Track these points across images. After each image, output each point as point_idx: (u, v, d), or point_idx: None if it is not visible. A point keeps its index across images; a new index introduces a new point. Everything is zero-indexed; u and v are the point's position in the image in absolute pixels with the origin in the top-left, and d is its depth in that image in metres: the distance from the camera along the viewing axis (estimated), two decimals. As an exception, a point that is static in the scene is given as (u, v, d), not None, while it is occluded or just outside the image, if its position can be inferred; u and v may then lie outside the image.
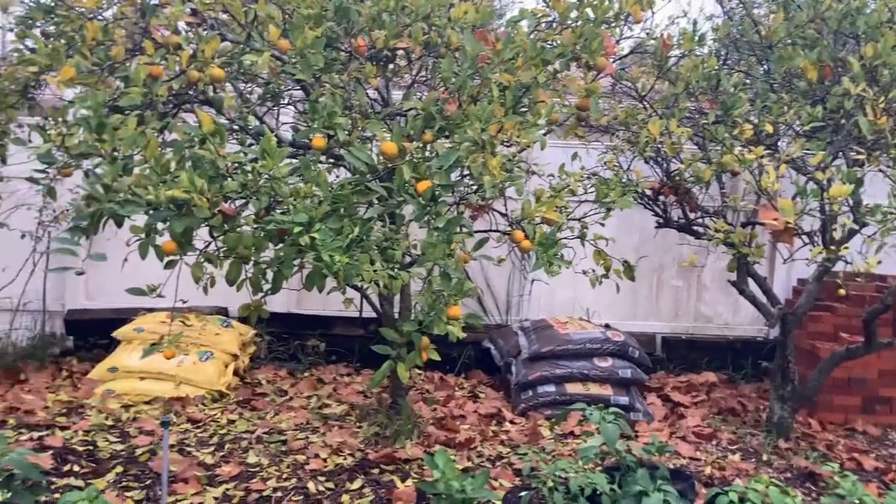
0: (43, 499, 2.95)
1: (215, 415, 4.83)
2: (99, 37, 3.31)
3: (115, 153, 2.93)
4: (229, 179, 2.93)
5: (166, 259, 2.91)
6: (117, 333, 5.44)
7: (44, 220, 5.49)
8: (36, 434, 4.38)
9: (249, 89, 4.41)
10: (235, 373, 5.44)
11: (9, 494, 2.78)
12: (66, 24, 3.67)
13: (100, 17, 3.67)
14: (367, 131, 3.47)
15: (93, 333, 5.81)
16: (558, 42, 3.65)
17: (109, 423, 4.63)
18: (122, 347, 5.39)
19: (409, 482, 3.93)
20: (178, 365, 5.08)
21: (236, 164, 3.09)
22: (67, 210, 5.37)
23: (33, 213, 5.45)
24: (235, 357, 5.48)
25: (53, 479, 3.75)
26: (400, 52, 3.76)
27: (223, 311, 5.92)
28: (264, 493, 3.77)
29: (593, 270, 4.20)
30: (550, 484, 3.28)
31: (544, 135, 3.91)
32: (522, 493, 3.22)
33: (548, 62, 3.30)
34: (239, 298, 3.49)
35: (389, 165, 3.10)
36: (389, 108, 3.90)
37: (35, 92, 4.42)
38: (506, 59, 3.34)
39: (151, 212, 2.76)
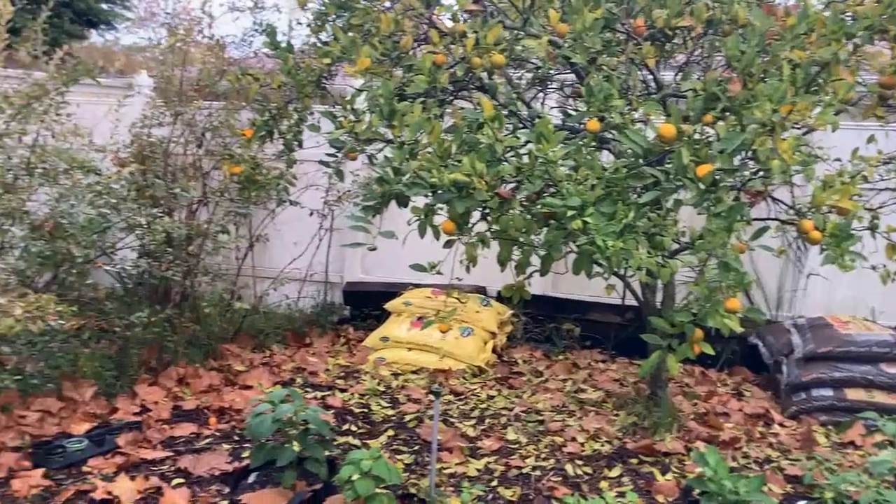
0: (329, 453, 3.23)
1: (475, 389, 5.01)
2: (391, 28, 3.53)
3: (402, 138, 3.12)
4: (504, 163, 3.01)
5: (445, 238, 3.06)
6: (388, 306, 5.84)
7: (329, 199, 6.00)
8: (319, 394, 4.84)
9: (519, 75, 4.49)
10: (493, 350, 5.61)
11: (303, 447, 3.09)
12: (358, 17, 3.95)
13: (389, 10, 3.92)
14: (640, 113, 3.39)
15: (367, 304, 6.28)
16: (858, 13, 3.30)
17: (381, 388, 4.99)
18: (393, 319, 5.78)
19: (670, 476, 3.82)
20: (442, 339, 5.34)
21: (510, 148, 3.16)
22: (350, 191, 5.85)
23: (320, 193, 5.98)
24: (493, 335, 5.65)
25: (335, 437, 4.11)
26: (678, 32, 3.62)
27: (482, 290, 6.11)
28: (523, 471, 3.85)
29: (884, 266, 3.77)
30: (831, 495, 3.02)
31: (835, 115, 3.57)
32: (801, 503, 2.99)
33: (852, 35, 2.99)
34: (497, 279, 3.59)
35: (666, 148, 3.00)
36: (664, 89, 3.77)
37: (326, 82, 4.83)
38: (797, 35, 3.08)
39: (434, 193, 2.91)
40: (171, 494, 3.50)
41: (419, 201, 3.16)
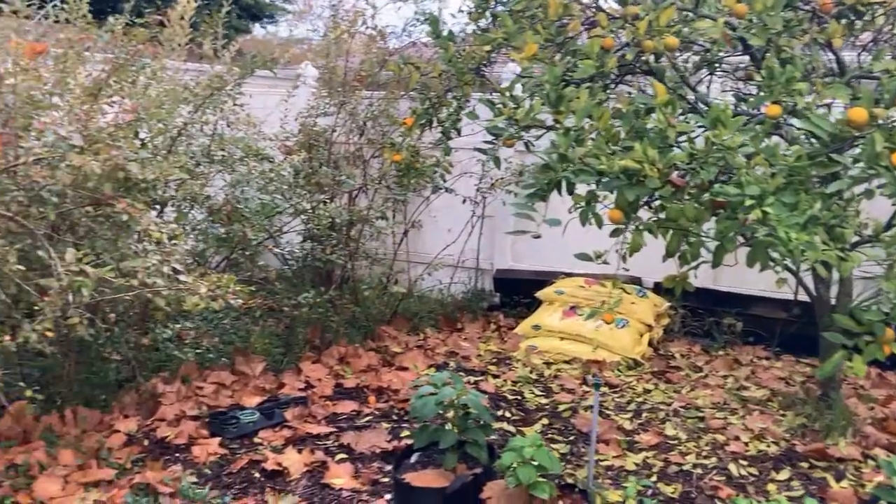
0: (488, 438, 3.25)
1: (631, 382, 4.91)
2: (560, 13, 3.49)
3: (568, 124, 3.08)
4: (676, 149, 2.91)
5: (606, 227, 3.00)
6: (540, 294, 5.82)
7: (481, 187, 6.04)
8: (472, 378, 4.89)
9: (685, 58, 4.32)
10: (649, 343, 5.47)
11: (463, 430, 3.12)
12: (521, 3, 3.92)
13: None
14: (824, 97, 3.17)
15: (517, 292, 6.28)
16: None
17: (533, 376, 4.99)
18: (544, 307, 5.75)
19: (846, 483, 3.58)
20: (596, 329, 5.26)
21: (681, 134, 3.04)
22: (502, 178, 5.85)
23: (473, 180, 6.02)
24: (650, 327, 5.50)
25: (494, 423, 4.14)
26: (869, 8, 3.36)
27: (636, 281, 5.96)
28: (684, 468, 3.73)
29: None
30: None
31: None
32: None
33: None
34: (653, 269, 3.47)
35: (854, 134, 2.80)
36: (847, 70, 3.51)
37: (485, 69, 4.84)
38: None
39: (602, 181, 2.86)
40: (335, 469, 3.65)
41: (580, 189, 3.11)
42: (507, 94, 4.17)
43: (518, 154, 5.88)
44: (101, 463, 3.61)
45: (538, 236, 3.05)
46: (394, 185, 5.60)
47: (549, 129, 3.81)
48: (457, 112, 4.76)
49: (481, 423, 3.19)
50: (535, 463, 2.83)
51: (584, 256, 3.13)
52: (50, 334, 3.06)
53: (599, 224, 3.13)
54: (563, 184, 3.05)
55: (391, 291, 5.69)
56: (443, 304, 6.28)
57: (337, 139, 5.65)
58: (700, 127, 2.97)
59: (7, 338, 3.18)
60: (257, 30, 16.23)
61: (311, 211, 5.07)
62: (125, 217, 3.26)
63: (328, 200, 5.18)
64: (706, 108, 3.82)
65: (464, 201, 6.02)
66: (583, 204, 3.13)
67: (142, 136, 3.82)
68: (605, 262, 3.16)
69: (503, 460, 2.87)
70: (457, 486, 2.97)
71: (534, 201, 3.01)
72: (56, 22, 4.15)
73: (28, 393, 3.36)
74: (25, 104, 3.50)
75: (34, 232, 3.34)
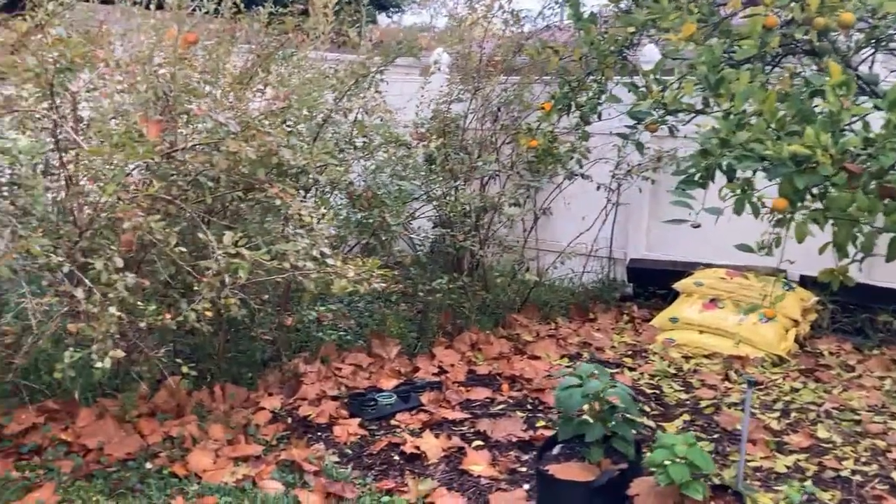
0: (635, 433, 3.16)
1: (777, 380, 4.66)
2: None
3: (729, 108, 2.92)
4: (851, 134, 2.71)
5: (776, 217, 2.83)
6: (678, 285, 5.62)
7: (617, 173, 5.88)
8: (607, 370, 4.77)
9: (848, 36, 4.03)
10: (795, 339, 5.18)
11: (611, 424, 3.04)
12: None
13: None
14: None
15: (651, 282, 6.10)
16: None
17: (672, 370, 4.82)
18: (682, 299, 5.55)
19: None
20: (738, 324, 5.03)
21: (854, 117, 2.83)
22: (640, 165, 5.68)
23: (608, 166, 5.88)
24: (796, 323, 5.22)
25: (641, 417, 4.02)
26: None
27: (781, 273, 5.65)
28: (841, 474, 3.51)
29: None
30: None
31: None
32: None
33: None
34: (800, 261, 3.25)
35: None
36: None
37: (628, 51, 4.69)
38: None
39: (768, 167, 2.69)
40: (473, 455, 3.65)
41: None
42: (652, 76, 4.03)
43: (657, 139, 5.68)
44: (249, 439, 3.75)
45: (697, 225, 2.91)
46: (525, 171, 5.53)
47: (699, 112, 3.65)
48: (597, 96, 4.64)
49: (628, 417, 3.10)
50: (689, 461, 2.72)
51: (744, 247, 2.96)
52: (209, 314, 3.19)
53: (757, 213, 2.97)
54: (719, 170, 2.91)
55: (522, 279, 5.64)
56: (574, 293, 6.18)
57: (469, 125, 5.64)
58: (877, 109, 2.75)
59: (167, 316, 3.33)
60: (382, 19, 16.48)
61: (443, 197, 5.09)
62: (277, 202, 3.35)
63: (461, 187, 5.18)
64: (868, 88, 3.56)
65: (598, 188, 5.88)
66: (738, 192, 2.98)
67: (289, 122, 3.92)
68: (768, 254, 2.99)
69: (653, 457, 2.77)
70: (603, 481, 2.89)
71: (691, 188, 2.88)
72: (206, 13, 4.31)
73: (184, 369, 3.51)
74: (182, 92, 3.65)
75: (192, 215, 3.49)
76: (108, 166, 3.08)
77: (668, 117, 4.11)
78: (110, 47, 3.88)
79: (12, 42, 3.35)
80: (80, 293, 2.94)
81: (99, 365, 2.89)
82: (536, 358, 4.95)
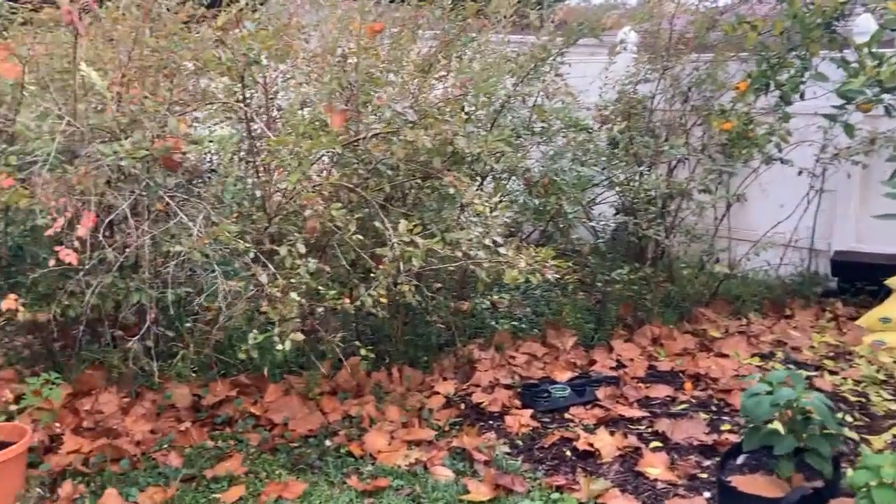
0: (838, 450, 2.86)
1: None
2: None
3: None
4: None
5: None
6: (891, 281, 5.05)
7: (822, 157, 5.37)
8: (804, 373, 4.37)
9: None
10: None
11: (804, 437, 2.76)
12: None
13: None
14: None
15: (859, 277, 5.52)
16: None
17: (881, 376, 4.33)
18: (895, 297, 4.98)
19: None
20: (965, 328, 4.44)
21: None
22: (849, 148, 5.15)
23: (812, 150, 5.38)
24: None
25: (842, 432, 3.66)
26: None
27: None
28: None
29: None
30: None
31: None
32: None
33: None
34: None
35: None
36: None
37: (836, 23, 4.25)
38: None
39: None
40: (649, 457, 3.47)
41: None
42: (867, 49, 3.61)
43: (870, 120, 5.12)
44: (423, 423, 3.80)
45: (917, 221, 2.56)
46: (718, 155, 5.18)
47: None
48: (800, 73, 4.24)
49: (825, 430, 2.80)
50: (896, 487, 2.41)
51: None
52: (384, 300, 3.25)
53: None
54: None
55: (711, 271, 5.30)
56: (769, 287, 5.73)
57: (657, 107, 5.37)
58: None
59: (347, 300, 3.43)
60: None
61: (626, 183, 4.88)
62: (451, 190, 3.34)
63: (646, 172, 4.94)
64: None
65: (799, 173, 5.38)
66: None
67: (467, 109, 3.89)
68: None
69: (855, 478, 2.49)
70: (794, 499, 2.64)
71: (910, 178, 2.53)
72: (391, 1, 4.37)
73: (363, 351, 3.61)
74: (365, 82, 3.72)
75: (371, 203, 3.56)
76: (293, 156, 3.21)
77: (884, 95, 3.68)
78: (303, 39, 4.04)
79: (213, 38, 3.56)
80: (264, 278, 3.09)
81: (280, 347, 3.02)
82: (724, 356, 4.63)
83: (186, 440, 3.59)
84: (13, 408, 3.45)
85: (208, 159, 4.05)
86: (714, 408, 4.02)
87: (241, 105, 3.41)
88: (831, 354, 4.69)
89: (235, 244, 3.04)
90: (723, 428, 3.76)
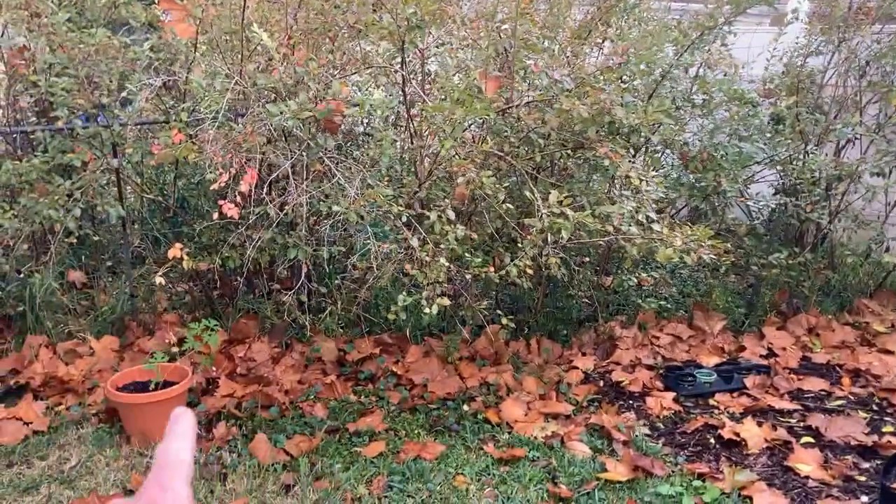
0: None
1: None
2: None
3: None
4: None
5: None
6: None
7: None
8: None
9: None
10: None
11: None
12: None
13: None
14: None
15: None
16: None
17: None
18: None
19: None
20: None
21: None
22: None
23: None
24: None
25: None
26: None
27: None
28: None
29: None
30: None
31: None
32: None
33: None
34: None
35: None
36: None
37: None
38: None
39: None
40: (800, 453, 3.29)
41: None
42: None
43: None
44: (560, 396, 3.77)
45: None
46: (893, 136, 4.76)
47: None
48: None
49: None
50: None
51: None
52: (530, 271, 3.22)
53: None
54: None
55: (879, 260, 4.91)
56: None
57: (828, 82, 4.99)
58: None
59: (491, 268, 3.43)
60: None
61: (789, 162, 4.58)
62: (606, 162, 3.25)
63: (812, 151, 4.62)
64: None
65: None
66: None
67: (625, 79, 3.76)
68: None
69: None
70: (969, 515, 2.42)
71: None
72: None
73: (504, 320, 3.60)
74: (521, 48, 3.66)
75: (521, 172, 3.52)
76: (447, 121, 3.21)
77: None
78: (458, 4, 4.02)
79: (373, 1, 3.60)
80: (415, 242, 3.12)
81: (427, 311, 3.06)
82: (889, 352, 4.31)
83: (331, 393, 3.72)
84: (175, 350, 3.69)
85: (362, 122, 4.14)
86: (875, 407, 3.75)
87: (399, 69, 3.44)
88: None
89: (389, 207, 3.09)
90: (885, 430, 3.50)
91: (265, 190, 3.46)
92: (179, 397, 3.32)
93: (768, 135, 4.33)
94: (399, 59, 3.52)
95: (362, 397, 3.72)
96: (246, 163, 3.25)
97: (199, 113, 3.67)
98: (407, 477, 3.07)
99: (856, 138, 4.95)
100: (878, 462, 3.19)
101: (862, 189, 4.76)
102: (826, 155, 4.83)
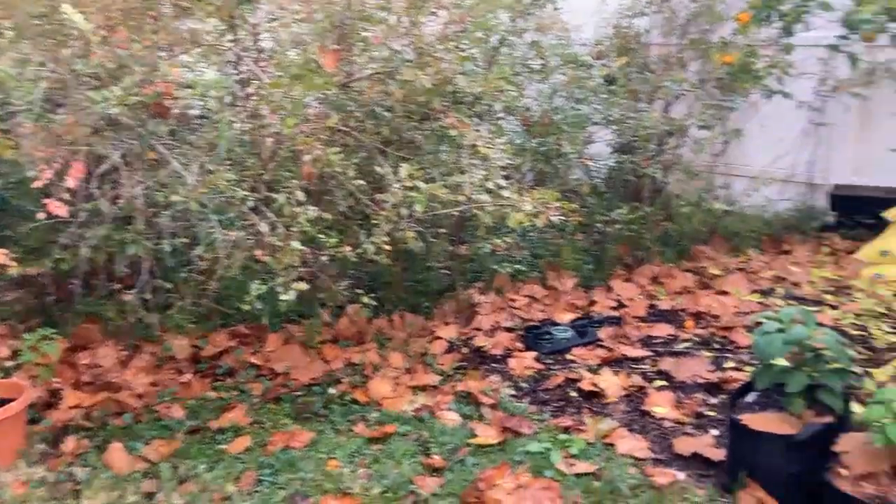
0: (847, 385, 2.84)
1: None
2: None
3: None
4: None
5: None
6: (889, 214, 5.02)
7: (821, 90, 5.28)
8: (807, 308, 4.37)
9: None
10: None
11: (815, 374, 2.75)
12: None
13: None
14: None
15: (857, 211, 5.49)
16: None
17: (880, 309, 4.34)
18: (894, 229, 4.96)
19: None
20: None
21: None
22: (849, 80, 5.06)
23: (809, 83, 5.28)
24: None
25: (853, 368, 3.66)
26: None
27: None
28: None
29: None
30: None
31: None
32: None
33: None
34: None
35: None
36: None
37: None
38: None
39: None
40: (655, 397, 3.47)
41: None
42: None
43: (868, 50, 5.03)
44: (427, 368, 3.78)
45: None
46: (716, 90, 5.08)
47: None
48: (804, 2, 4.12)
49: (837, 367, 2.78)
50: (911, 421, 2.40)
51: None
52: (387, 247, 3.18)
53: None
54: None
55: (709, 208, 5.25)
56: (767, 222, 5.70)
57: (654, 41, 5.24)
58: None
59: (347, 248, 3.36)
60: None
61: (624, 120, 4.78)
62: (453, 132, 3.25)
63: (644, 109, 4.84)
64: None
65: (798, 107, 5.30)
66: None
67: (462, 47, 3.76)
68: None
69: (868, 413, 2.48)
70: (805, 435, 2.63)
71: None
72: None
73: (364, 299, 3.56)
74: (357, 20, 3.58)
75: (369, 146, 3.46)
76: (287, 99, 3.09)
77: (890, 24, 3.58)
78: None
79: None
80: (264, 226, 3.00)
81: (284, 297, 2.96)
82: (724, 293, 4.62)
83: (188, 392, 3.55)
84: (9, 364, 3.39)
85: (196, 105, 3.92)
86: (717, 346, 4.01)
87: (231, 47, 3.27)
88: (830, 289, 4.69)
89: (233, 192, 2.95)
90: (726, 366, 3.75)
91: (95, 184, 3.22)
92: (17, 416, 3.06)
93: (603, 95, 4.50)
94: (230, 37, 3.36)
95: (222, 393, 3.57)
96: (71, 156, 3.00)
97: (12, 105, 3.35)
98: (277, 469, 2.99)
99: (682, 94, 5.24)
100: (724, 396, 3.42)
101: (691, 142, 5.05)
102: (657, 112, 5.07)
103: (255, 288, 3.01)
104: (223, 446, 3.15)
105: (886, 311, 4.33)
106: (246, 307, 3.14)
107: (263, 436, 3.23)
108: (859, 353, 3.82)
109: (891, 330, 4.09)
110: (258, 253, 3.18)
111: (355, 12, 3.53)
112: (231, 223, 3.40)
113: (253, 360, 3.77)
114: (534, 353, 3.93)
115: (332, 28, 3.57)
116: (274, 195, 3.18)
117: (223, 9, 3.00)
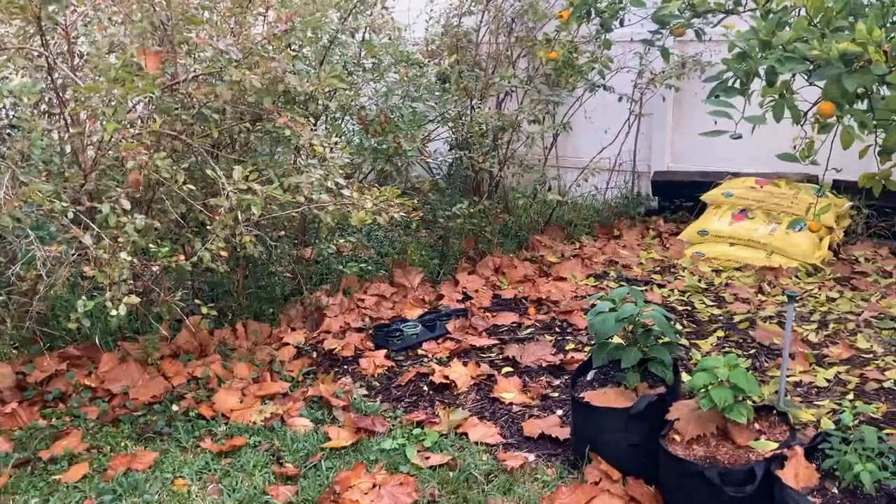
0: (675, 356, 3.04)
1: (812, 290, 4.52)
2: None
3: (769, 6, 2.69)
4: (903, 27, 2.48)
5: (822, 122, 2.63)
6: (706, 197, 5.44)
7: (639, 83, 5.63)
8: (638, 288, 4.65)
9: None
10: (829, 247, 5.01)
11: (646, 348, 2.92)
12: None
13: None
14: None
15: (677, 195, 5.91)
16: None
17: (702, 285, 4.69)
18: (711, 211, 5.37)
19: None
20: (770, 234, 4.87)
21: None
22: (662, 72, 5.42)
23: (630, 76, 5.62)
24: (830, 230, 5.03)
25: (679, 340, 3.92)
26: None
27: (813, 180, 5.45)
28: (884, 384, 3.40)
29: None
30: None
31: None
32: None
33: None
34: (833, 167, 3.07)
35: None
36: None
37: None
38: None
39: (814, 68, 2.48)
40: (503, 383, 3.57)
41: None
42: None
43: (680, 44, 5.43)
44: (275, 376, 3.69)
45: (738, 137, 2.71)
46: (543, 85, 5.30)
47: (730, 12, 3.40)
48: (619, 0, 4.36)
49: (665, 340, 2.98)
50: (731, 384, 2.61)
51: (787, 156, 2.77)
52: (224, 254, 3.08)
53: (797, 119, 2.76)
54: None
55: (544, 199, 5.47)
56: (598, 210, 6.01)
57: (483, 39, 5.38)
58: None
59: (181, 257, 3.22)
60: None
61: (459, 118, 4.88)
62: (287, 132, 3.19)
63: (477, 106, 4.96)
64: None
65: (620, 99, 5.63)
66: (775, 97, 2.77)
67: (294, 46, 3.70)
68: (814, 163, 2.80)
69: (694, 381, 2.66)
70: (641, 407, 2.79)
71: (730, 95, 2.67)
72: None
73: (204, 309, 3.42)
74: (179, 20, 3.44)
75: (198, 150, 3.33)
76: (107, 103, 2.92)
77: (694, 20, 3.85)
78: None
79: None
80: (88, 239, 2.82)
81: (114, 313, 2.79)
82: (562, 279, 4.83)
83: (14, 423, 3.27)
84: None
85: (5, 114, 3.64)
86: (558, 329, 4.18)
87: (41, 50, 3.05)
88: (658, 269, 5.01)
89: (50, 205, 2.74)
90: (567, 348, 3.92)
91: None
92: None
93: (437, 93, 4.57)
94: (39, 40, 3.13)
95: (53, 420, 3.31)
96: None
97: None
98: (119, 494, 2.81)
99: (512, 90, 5.42)
100: (566, 377, 3.57)
101: (523, 136, 5.24)
102: (490, 108, 5.22)
103: (82, 305, 2.81)
104: (57, 476, 2.93)
105: (708, 287, 4.68)
106: (72, 326, 2.93)
107: (102, 461, 3.04)
108: (685, 326, 4.12)
109: (712, 303, 4.43)
110: (85, 268, 2.98)
111: (176, 13, 3.39)
112: (52, 238, 3.17)
113: (87, 382, 3.52)
114: (384, 352, 3.93)
115: (152, 29, 3.40)
116: (98, 206, 2.99)
117: (27, 8, 2.78)
